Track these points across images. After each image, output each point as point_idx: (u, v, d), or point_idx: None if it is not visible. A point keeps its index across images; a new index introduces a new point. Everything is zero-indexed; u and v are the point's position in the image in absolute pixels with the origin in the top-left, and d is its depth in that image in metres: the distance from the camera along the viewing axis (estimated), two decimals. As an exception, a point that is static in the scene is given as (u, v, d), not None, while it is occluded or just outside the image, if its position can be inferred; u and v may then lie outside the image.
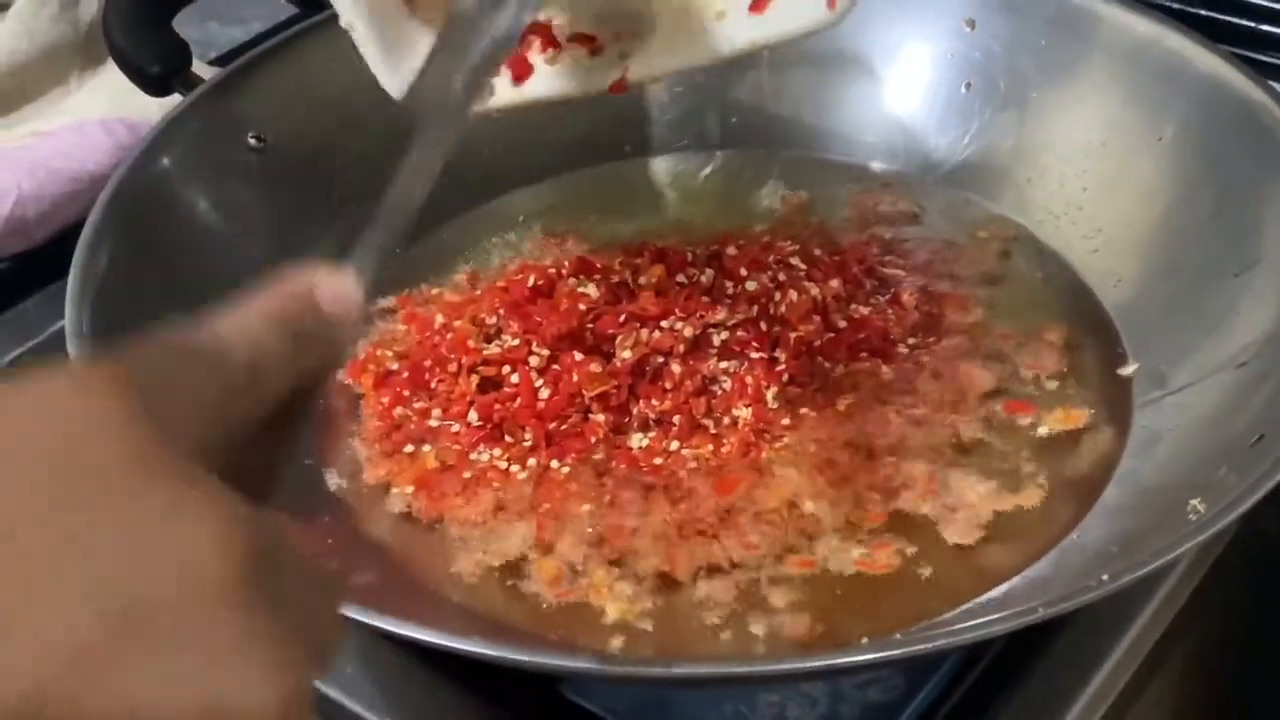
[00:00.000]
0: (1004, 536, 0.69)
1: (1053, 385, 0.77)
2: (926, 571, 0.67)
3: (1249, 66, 0.79)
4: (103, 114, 1.00)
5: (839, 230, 0.90)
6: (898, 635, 0.63)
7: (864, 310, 0.81)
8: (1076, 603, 0.54)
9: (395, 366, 0.80)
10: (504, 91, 0.72)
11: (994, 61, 0.91)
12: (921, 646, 0.55)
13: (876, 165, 0.95)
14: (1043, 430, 0.74)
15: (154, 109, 0.87)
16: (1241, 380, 0.69)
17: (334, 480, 0.75)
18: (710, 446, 0.74)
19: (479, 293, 0.85)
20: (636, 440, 0.75)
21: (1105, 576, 0.54)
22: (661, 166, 0.98)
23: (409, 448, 0.76)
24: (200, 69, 0.88)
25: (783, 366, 0.77)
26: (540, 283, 0.82)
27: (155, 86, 0.85)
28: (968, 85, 0.92)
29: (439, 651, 0.60)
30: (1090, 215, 0.85)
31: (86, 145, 0.97)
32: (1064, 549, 0.67)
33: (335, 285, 0.38)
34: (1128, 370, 0.77)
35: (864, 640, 0.63)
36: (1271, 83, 0.78)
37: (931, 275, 0.85)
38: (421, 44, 0.69)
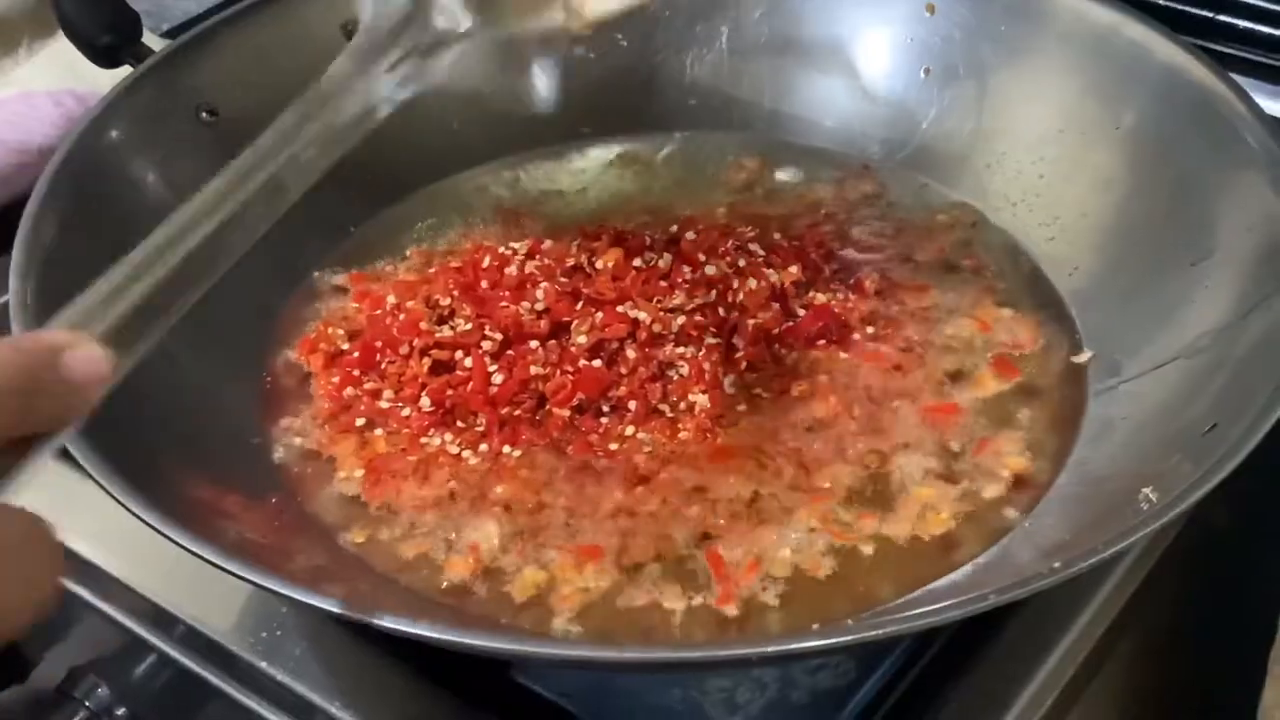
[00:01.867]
0: (955, 524, 0.69)
1: (1006, 373, 0.78)
2: (877, 558, 0.68)
3: (1209, 57, 0.80)
4: (51, 85, 0.98)
5: (797, 214, 0.90)
6: (848, 622, 0.63)
7: (823, 297, 0.82)
8: (1027, 590, 0.54)
9: (345, 346, 0.80)
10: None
11: (953, 47, 0.91)
12: (872, 633, 0.55)
13: (835, 149, 0.95)
14: (994, 420, 0.75)
15: (104, 80, 0.86)
16: (1195, 370, 0.70)
17: (281, 460, 0.75)
18: (667, 432, 0.74)
19: (433, 272, 0.85)
20: (592, 425, 0.75)
21: (1056, 564, 0.54)
22: (619, 148, 0.98)
23: (359, 426, 0.76)
24: (151, 40, 0.87)
25: (740, 354, 0.78)
26: (495, 264, 0.82)
27: (105, 57, 0.84)
28: (926, 70, 0.93)
29: (388, 635, 0.60)
30: (1047, 203, 0.86)
31: (34, 117, 0.96)
32: (1015, 537, 0.68)
33: (84, 354, 0.39)
34: (1082, 358, 0.78)
35: (814, 626, 0.63)
36: (1231, 74, 0.79)
37: (890, 261, 0.86)
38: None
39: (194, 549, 0.56)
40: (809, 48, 0.96)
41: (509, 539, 0.69)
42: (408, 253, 0.88)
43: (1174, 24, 0.83)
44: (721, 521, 0.69)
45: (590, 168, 0.97)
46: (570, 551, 0.68)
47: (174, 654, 0.70)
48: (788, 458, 0.73)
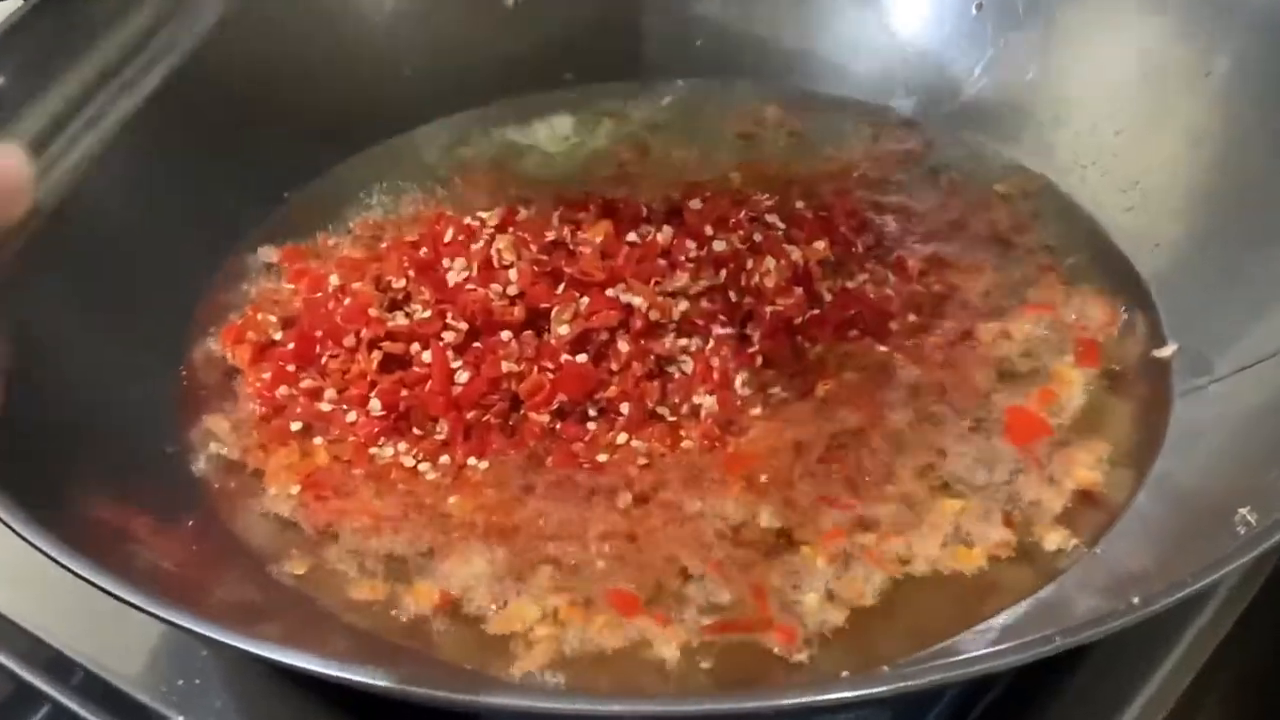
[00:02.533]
0: (1013, 552, 0.69)
1: (1078, 372, 0.78)
2: (921, 591, 0.68)
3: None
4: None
5: (824, 178, 0.90)
6: (884, 669, 0.63)
7: (857, 280, 0.82)
8: (1100, 630, 0.54)
9: (279, 336, 0.81)
10: None
11: (1011, -24, 0.92)
12: (911, 683, 0.55)
13: (870, 100, 0.96)
14: (1063, 425, 0.75)
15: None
16: (1302, 367, 0.70)
17: (201, 473, 0.75)
18: (668, 440, 0.75)
19: (384, 247, 0.86)
20: (575, 432, 0.75)
21: (1135, 600, 0.55)
22: (609, 96, 0.98)
23: (296, 433, 0.77)
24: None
25: (755, 347, 0.78)
26: (459, 238, 0.82)
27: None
28: (979, 5, 0.93)
29: (332, 685, 0.60)
30: (1125, 165, 0.86)
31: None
32: (1085, 566, 0.68)
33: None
34: (1165, 352, 0.78)
35: (844, 674, 0.63)
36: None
37: (936, 236, 0.87)
38: None
39: (93, 579, 0.56)
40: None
41: (475, 570, 0.69)
42: (352, 224, 0.89)
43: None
44: (734, 552, 0.69)
45: (574, 122, 0.97)
46: (543, 589, 0.68)
47: (70, 705, 0.69)
48: (810, 476, 0.73)
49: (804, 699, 0.55)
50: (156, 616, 0.55)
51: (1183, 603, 0.56)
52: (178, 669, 0.68)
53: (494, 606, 0.68)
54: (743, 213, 0.84)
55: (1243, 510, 0.60)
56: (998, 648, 0.56)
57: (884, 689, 0.55)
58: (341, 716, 0.67)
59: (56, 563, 0.56)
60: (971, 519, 0.70)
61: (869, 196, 0.89)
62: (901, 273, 0.84)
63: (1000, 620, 0.66)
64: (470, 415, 0.76)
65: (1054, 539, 0.69)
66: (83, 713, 0.69)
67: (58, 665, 0.70)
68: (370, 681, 0.54)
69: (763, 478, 0.72)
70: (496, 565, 0.69)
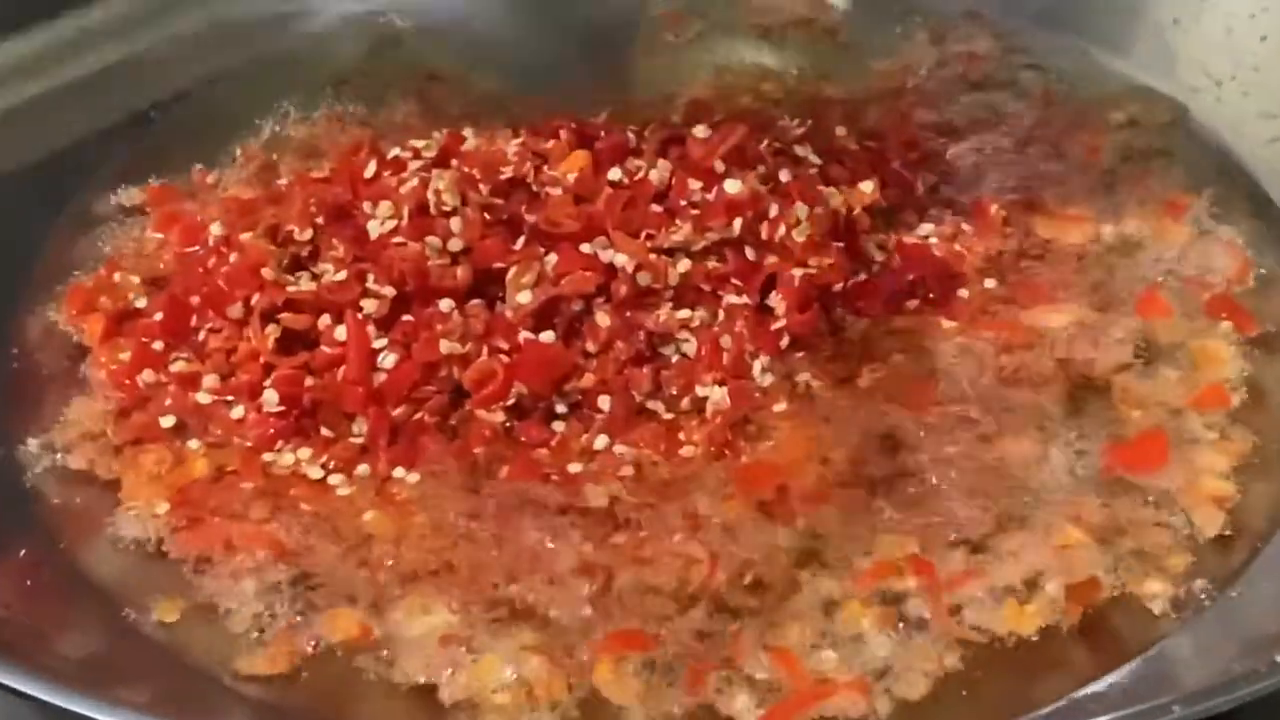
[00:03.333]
0: (1115, 597, 0.70)
1: (1205, 356, 0.79)
2: (1000, 652, 0.68)
3: None
4: None
5: (873, 93, 0.92)
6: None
7: (918, 233, 0.84)
8: (1232, 698, 0.55)
9: (142, 304, 0.81)
10: None
11: None
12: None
13: (935, -1, 0.97)
14: (1185, 431, 0.76)
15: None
16: None
17: (40, 485, 0.76)
18: (661, 446, 0.76)
19: (282, 185, 0.87)
20: (538, 435, 0.76)
21: (1279, 657, 0.56)
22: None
23: (163, 440, 0.77)
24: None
25: (781, 323, 0.79)
26: (385, 175, 0.83)
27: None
28: None
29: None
30: (1270, 81, 0.88)
31: None
32: (1217, 613, 0.69)
33: None
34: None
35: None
36: None
37: (1024, 172, 0.88)
38: None
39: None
40: None
41: (402, 618, 0.70)
42: (238, 151, 0.90)
43: None
44: (750, 602, 0.70)
45: (542, 11, 0.99)
46: (492, 649, 0.69)
47: None
48: (847, 495, 0.74)
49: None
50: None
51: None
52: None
53: (436, 674, 0.68)
54: (765, 142, 0.85)
55: None
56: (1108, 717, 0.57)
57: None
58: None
59: None
60: (1068, 553, 0.71)
61: (933, 121, 0.90)
62: (979, 222, 0.85)
63: (1098, 685, 0.66)
64: (398, 412, 0.76)
65: (1168, 581, 0.70)
66: None
67: None
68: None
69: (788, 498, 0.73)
70: (435, 616, 0.70)
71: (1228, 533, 0.71)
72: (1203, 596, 0.69)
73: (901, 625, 0.68)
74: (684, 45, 0.97)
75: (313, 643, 0.69)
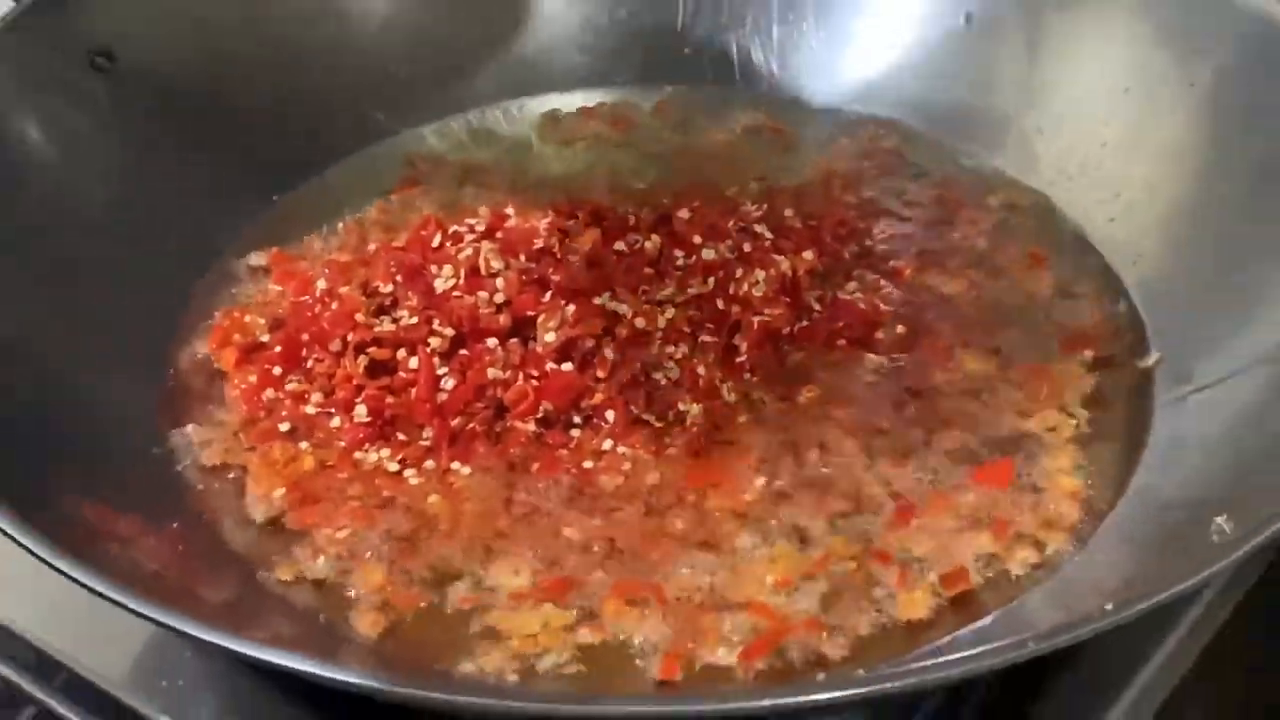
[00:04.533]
0: (990, 563, 0.70)
1: (1061, 381, 0.80)
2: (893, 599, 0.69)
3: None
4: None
5: (812, 188, 0.92)
6: (859, 672, 0.64)
7: (846, 289, 0.84)
8: (1075, 635, 0.56)
9: (266, 338, 0.82)
10: None
11: (1000, -12, 0.94)
12: (888, 685, 0.56)
13: (857, 108, 0.97)
14: (1043, 436, 0.77)
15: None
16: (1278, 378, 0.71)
17: (187, 476, 0.76)
18: (652, 447, 0.76)
19: (371, 251, 0.87)
20: (560, 439, 0.77)
21: (1109, 606, 0.56)
22: (598, 102, 1.00)
23: (281, 442, 0.77)
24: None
25: (743, 357, 0.80)
26: (447, 244, 0.84)
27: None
28: (967, 17, 0.95)
29: (317, 686, 0.61)
30: (1109, 176, 0.88)
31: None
32: (1063, 576, 0.69)
33: None
34: (1148, 361, 0.80)
35: (820, 677, 0.64)
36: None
37: (924, 246, 0.88)
38: None
39: (78, 577, 0.57)
40: (828, -14, 0.98)
41: (461, 574, 0.71)
42: (340, 225, 0.90)
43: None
44: (709, 563, 0.71)
45: (563, 125, 0.99)
46: (529, 596, 0.70)
47: (55, 706, 0.70)
48: (792, 480, 0.74)
49: (782, 700, 0.56)
50: (144, 616, 0.56)
51: (1160, 611, 0.57)
52: (162, 671, 0.69)
53: (473, 610, 0.69)
54: (731, 222, 0.86)
55: (1219, 519, 0.62)
56: (972, 651, 0.57)
57: (861, 691, 0.56)
58: (323, 714, 0.68)
59: (41, 560, 0.58)
60: (948, 531, 0.72)
61: (857, 205, 0.90)
62: (891, 282, 0.85)
63: (978, 625, 0.67)
64: (455, 422, 0.77)
65: (1030, 550, 0.70)
66: (68, 714, 0.70)
67: (43, 667, 0.71)
68: (347, 679, 0.55)
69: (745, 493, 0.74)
70: (479, 570, 0.70)
71: (1079, 516, 0.72)
72: (1055, 564, 0.70)
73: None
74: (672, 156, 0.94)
75: (400, 596, 0.69)
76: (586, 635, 0.67)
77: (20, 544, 0.58)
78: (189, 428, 0.78)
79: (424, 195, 0.93)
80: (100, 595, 0.56)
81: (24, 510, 0.59)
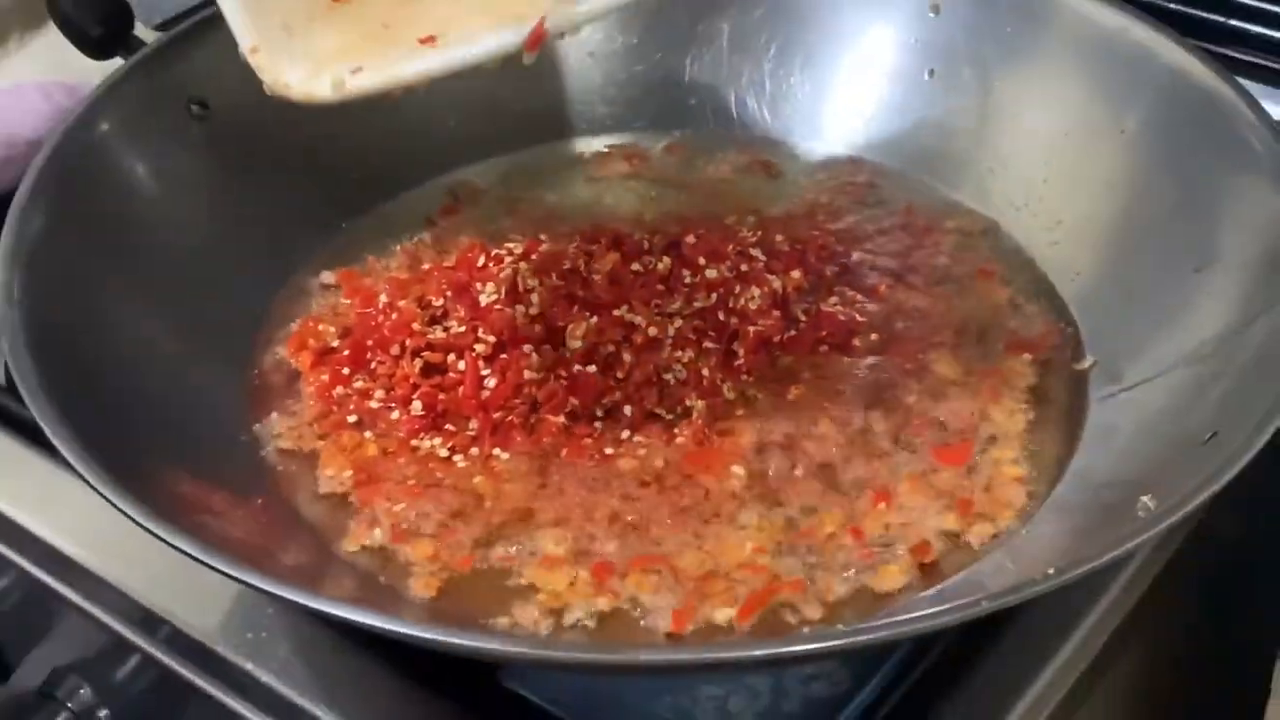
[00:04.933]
0: (949, 532, 0.71)
1: (1010, 380, 0.79)
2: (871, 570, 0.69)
3: (1215, 61, 0.82)
4: (41, 77, 1.00)
5: (799, 217, 0.92)
6: (838, 626, 0.64)
7: (828, 302, 0.84)
8: (1021, 595, 0.56)
9: (336, 344, 0.82)
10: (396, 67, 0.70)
11: (958, 48, 0.93)
12: (863, 638, 0.57)
13: (837, 149, 0.97)
14: (996, 427, 0.77)
15: (94, 73, 0.88)
16: (1197, 377, 0.72)
17: (269, 459, 0.76)
18: (664, 437, 0.76)
19: (426, 269, 0.87)
20: (586, 430, 0.77)
21: (1050, 570, 0.56)
22: (617, 146, 1.00)
23: (349, 432, 0.77)
24: (143, 33, 0.89)
25: (740, 361, 0.80)
26: (490, 265, 0.84)
27: (96, 49, 0.86)
28: (931, 72, 0.95)
29: (374, 635, 0.62)
30: (1051, 207, 0.88)
31: (22, 109, 0.98)
32: (1012, 546, 0.69)
33: None
34: (1084, 364, 0.79)
35: (804, 630, 0.64)
36: (1237, 78, 0.81)
37: (892, 267, 0.88)
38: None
39: (178, 544, 0.57)
40: (812, 47, 0.98)
41: (502, 540, 0.71)
42: (397, 248, 0.90)
43: (1181, 27, 0.85)
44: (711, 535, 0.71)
45: (588, 165, 0.99)
46: (556, 558, 0.70)
47: (158, 655, 0.71)
48: (780, 468, 0.74)
49: (765, 652, 0.56)
50: (230, 575, 0.57)
51: (1094, 578, 0.58)
52: (248, 624, 0.70)
53: (510, 574, 0.69)
54: (731, 246, 0.86)
55: (1144, 498, 0.62)
56: (933, 609, 0.57)
57: (839, 643, 0.57)
58: (382, 662, 0.68)
59: (146, 529, 0.58)
60: (915, 502, 0.72)
61: (836, 232, 0.90)
62: (866, 297, 0.85)
63: (937, 588, 0.67)
64: (496, 415, 0.77)
65: (987, 525, 0.71)
66: (168, 661, 0.71)
67: (148, 620, 0.72)
68: (402, 630, 0.56)
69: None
70: (518, 542, 0.71)
71: (1026, 497, 0.72)
72: (1004, 537, 0.70)
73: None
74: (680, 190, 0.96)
75: (449, 559, 0.70)
76: (607, 600, 0.68)
77: (129, 516, 0.58)
78: (271, 418, 0.78)
79: (468, 224, 0.93)
80: (193, 557, 0.57)
81: (134, 487, 0.60)
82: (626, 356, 0.78)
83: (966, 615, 0.55)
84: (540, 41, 0.69)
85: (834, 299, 0.84)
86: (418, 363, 0.79)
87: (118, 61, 0.85)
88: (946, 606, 0.57)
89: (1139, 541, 0.58)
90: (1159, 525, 0.58)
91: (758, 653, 0.57)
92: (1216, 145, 0.79)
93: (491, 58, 0.69)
